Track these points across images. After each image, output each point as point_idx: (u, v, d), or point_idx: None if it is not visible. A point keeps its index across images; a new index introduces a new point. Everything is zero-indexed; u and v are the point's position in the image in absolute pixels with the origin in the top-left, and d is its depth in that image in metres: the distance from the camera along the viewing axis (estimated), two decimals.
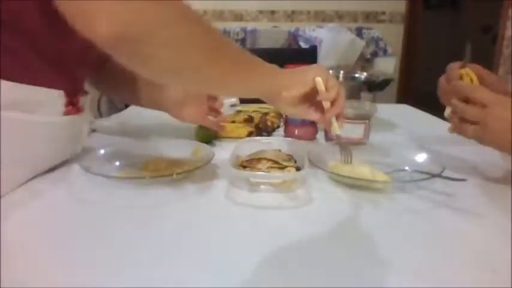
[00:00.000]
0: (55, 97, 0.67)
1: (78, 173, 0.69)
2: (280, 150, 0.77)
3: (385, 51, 2.96)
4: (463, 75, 0.72)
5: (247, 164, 0.72)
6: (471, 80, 0.71)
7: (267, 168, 0.69)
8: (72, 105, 0.72)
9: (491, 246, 0.51)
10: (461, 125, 0.68)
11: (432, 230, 0.55)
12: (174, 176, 0.68)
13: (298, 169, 0.68)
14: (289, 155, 0.75)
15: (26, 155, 0.66)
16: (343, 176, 0.67)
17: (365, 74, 1.24)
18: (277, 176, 0.68)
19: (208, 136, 0.91)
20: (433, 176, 0.65)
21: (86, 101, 0.78)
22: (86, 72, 0.78)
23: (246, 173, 0.69)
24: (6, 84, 0.58)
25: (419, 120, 1.21)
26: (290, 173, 0.68)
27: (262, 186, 0.68)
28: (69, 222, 0.56)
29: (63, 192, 0.66)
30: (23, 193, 0.65)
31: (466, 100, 0.67)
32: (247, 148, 0.78)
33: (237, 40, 2.89)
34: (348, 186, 0.67)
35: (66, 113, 0.69)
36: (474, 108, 0.65)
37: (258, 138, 0.89)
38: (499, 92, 0.67)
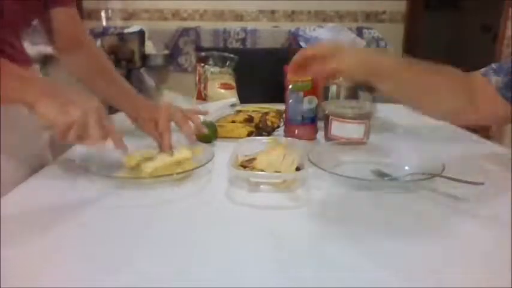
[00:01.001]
0: None
1: (78, 173, 0.69)
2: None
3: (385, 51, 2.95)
4: None
5: (247, 164, 0.72)
6: None
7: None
8: None
9: (492, 246, 0.51)
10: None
11: (432, 230, 0.55)
12: (174, 176, 0.68)
13: (298, 169, 0.68)
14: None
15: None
16: (343, 176, 0.67)
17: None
18: (277, 176, 0.68)
19: (208, 136, 0.91)
20: (433, 176, 0.65)
21: (35, 72, 0.76)
22: (16, 39, 0.77)
23: (246, 173, 0.69)
24: None
25: (419, 120, 1.21)
26: (290, 173, 0.68)
27: (262, 186, 0.68)
28: (69, 222, 0.56)
29: (63, 192, 0.66)
30: (23, 193, 0.65)
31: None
32: (247, 148, 0.78)
33: (237, 40, 2.89)
34: (348, 186, 0.67)
35: None
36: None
37: (258, 138, 0.89)
38: None
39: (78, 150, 0.85)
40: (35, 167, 0.76)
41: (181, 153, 0.74)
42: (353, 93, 1.11)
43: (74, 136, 0.60)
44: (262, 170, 0.68)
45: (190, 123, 0.82)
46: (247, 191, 0.66)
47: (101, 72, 0.89)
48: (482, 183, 0.64)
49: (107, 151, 0.66)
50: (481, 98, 0.73)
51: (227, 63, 1.34)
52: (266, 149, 0.72)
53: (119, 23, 3.05)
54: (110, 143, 0.64)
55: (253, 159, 0.72)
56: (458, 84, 0.74)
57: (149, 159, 0.72)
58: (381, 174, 0.70)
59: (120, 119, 0.89)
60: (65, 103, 0.60)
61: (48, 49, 2.18)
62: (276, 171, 0.68)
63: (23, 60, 0.79)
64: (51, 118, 0.59)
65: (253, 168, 0.69)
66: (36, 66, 0.86)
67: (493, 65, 0.79)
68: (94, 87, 0.88)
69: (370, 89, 1.17)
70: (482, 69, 0.79)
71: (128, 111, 0.88)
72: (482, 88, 0.75)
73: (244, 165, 0.71)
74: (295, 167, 0.68)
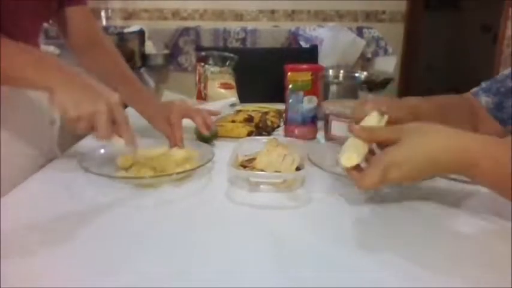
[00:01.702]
0: None
1: (78, 173, 0.69)
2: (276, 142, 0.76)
3: (385, 51, 2.96)
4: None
5: (247, 164, 0.71)
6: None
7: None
8: None
9: (491, 246, 0.51)
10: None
11: (432, 230, 0.55)
12: (174, 176, 0.68)
13: (298, 169, 0.68)
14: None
15: None
16: (343, 176, 0.67)
17: (365, 73, 1.24)
18: (277, 175, 0.68)
19: (209, 136, 0.90)
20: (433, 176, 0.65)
21: None
22: (31, 39, 0.78)
23: (246, 172, 0.69)
24: None
25: None
26: (290, 173, 0.68)
27: (262, 186, 0.68)
28: (69, 222, 0.56)
29: (63, 192, 0.66)
30: (23, 193, 0.65)
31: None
32: (247, 148, 0.78)
33: (237, 40, 2.89)
34: (348, 186, 0.67)
35: None
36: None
37: (258, 138, 0.89)
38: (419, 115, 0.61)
39: (78, 150, 0.85)
40: (43, 162, 0.77)
41: (177, 152, 0.74)
42: (353, 93, 1.11)
43: (82, 129, 0.60)
44: (262, 170, 0.68)
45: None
46: (247, 191, 0.66)
47: (115, 70, 0.89)
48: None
49: (116, 146, 0.66)
50: (476, 119, 0.74)
51: (227, 63, 1.34)
52: (265, 149, 0.72)
53: (119, 22, 3.05)
54: (120, 139, 0.64)
55: (253, 159, 0.72)
56: (461, 111, 0.74)
57: (145, 161, 0.72)
58: None
59: (131, 113, 0.88)
60: (81, 94, 0.60)
61: (50, 48, 2.18)
62: (276, 171, 0.68)
63: None
64: (65, 107, 0.59)
65: (253, 168, 0.69)
66: None
67: (483, 84, 0.80)
68: (108, 85, 0.89)
69: (370, 88, 1.17)
70: (473, 90, 0.80)
71: (141, 109, 0.89)
72: (476, 110, 0.76)
73: (244, 165, 0.71)
74: (295, 167, 0.68)
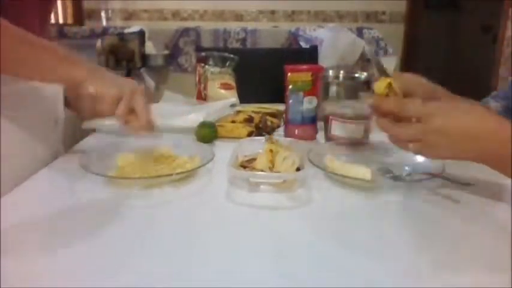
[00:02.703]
0: None
1: (78, 173, 0.69)
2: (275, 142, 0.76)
3: (386, 51, 2.96)
4: (387, 90, 0.59)
5: (247, 164, 0.72)
6: (395, 93, 0.59)
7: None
8: None
9: (491, 246, 0.51)
10: (400, 143, 0.59)
11: (432, 230, 0.55)
12: (174, 176, 0.68)
13: (298, 169, 0.68)
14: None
15: None
16: (343, 176, 0.67)
17: (365, 74, 1.24)
18: (277, 176, 0.68)
19: (208, 136, 0.91)
20: (433, 176, 0.65)
21: None
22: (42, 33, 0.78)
23: (246, 173, 0.69)
24: None
25: None
26: (290, 173, 0.68)
27: (262, 186, 0.68)
28: (69, 222, 0.56)
29: (64, 191, 0.66)
30: (24, 192, 0.65)
31: (398, 118, 0.57)
32: (247, 148, 0.78)
33: (237, 40, 2.89)
34: (348, 185, 0.67)
35: None
36: (408, 128, 0.56)
37: (258, 138, 0.89)
38: (436, 98, 0.59)
39: (79, 150, 0.85)
40: (47, 160, 0.77)
41: (161, 149, 0.75)
42: (353, 93, 1.11)
43: (121, 111, 0.65)
44: (262, 170, 0.68)
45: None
46: (247, 191, 0.66)
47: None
48: (482, 183, 0.64)
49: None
50: None
51: (227, 63, 1.34)
52: (264, 150, 0.72)
53: (119, 23, 3.06)
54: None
55: (253, 159, 0.72)
56: None
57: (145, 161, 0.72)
58: (388, 172, 0.70)
59: None
60: (113, 79, 0.67)
61: None
62: (276, 172, 0.68)
63: None
64: (103, 91, 0.64)
65: (253, 169, 0.69)
66: None
67: (492, 93, 0.82)
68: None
69: (369, 88, 1.17)
70: (484, 99, 0.82)
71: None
72: None
73: (244, 166, 0.71)
74: (295, 167, 0.68)
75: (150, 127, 0.70)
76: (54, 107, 0.84)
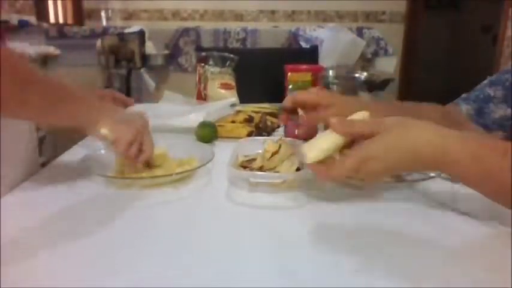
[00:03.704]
0: None
1: (78, 173, 0.69)
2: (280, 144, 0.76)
3: (386, 51, 2.96)
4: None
5: (247, 164, 0.71)
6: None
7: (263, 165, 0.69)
8: None
9: (491, 246, 0.51)
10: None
11: (432, 230, 0.55)
12: (174, 176, 0.68)
13: (298, 169, 0.68)
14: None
15: None
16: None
17: (365, 73, 1.24)
18: (277, 176, 0.68)
19: (208, 136, 0.91)
20: (433, 176, 0.65)
21: None
22: None
23: (246, 173, 0.69)
24: None
25: None
26: (290, 173, 0.68)
27: (262, 186, 0.68)
28: (69, 222, 0.56)
29: (63, 192, 0.66)
30: (23, 193, 0.65)
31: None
32: (247, 148, 0.78)
33: (237, 40, 2.89)
34: (347, 185, 0.67)
35: None
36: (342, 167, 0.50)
37: (258, 138, 0.89)
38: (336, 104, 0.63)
39: (78, 150, 0.85)
40: (23, 171, 0.73)
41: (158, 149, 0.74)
42: (353, 94, 1.11)
43: (133, 153, 0.66)
44: (262, 170, 0.68)
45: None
46: (247, 191, 0.66)
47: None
48: None
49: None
50: (458, 127, 0.75)
51: (227, 63, 1.34)
52: (264, 150, 0.72)
53: (119, 23, 3.06)
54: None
55: (253, 159, 0.72)
56: (440, 120, 0.75)
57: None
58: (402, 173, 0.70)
59: None
60: (124, 122, 0.67)
61: (50, 49, 2.18)
62: (276, 172, 0.68)
63: None
64: (117, 137, 0.64)
65: (253, 169, 0.69)
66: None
67: (462, 95, 0.82)
68: None
69: (370, 88, 1.17)
70: (454, 101, 0.82)
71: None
72: (457, 118, 0.77)
73: (244, 166, 0.71)
74: (295, 167, 0.68)
75: (151, 165, 0.71)
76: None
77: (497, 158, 0.48)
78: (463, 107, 0.79)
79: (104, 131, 0.64)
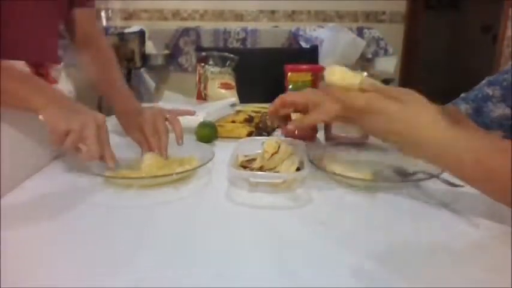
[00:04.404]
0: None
1: (78, 173, 0.69)
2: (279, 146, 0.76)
3: (386, 51, 2.96)
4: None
5: (247, 164, 0.71)
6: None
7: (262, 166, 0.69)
8: (41, 76, 0.71)
9: (491, 246, 0.51)
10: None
11: (432, 230, 0.55)
12: (174, 175, 0.68)
13: (298, 169, 0.68)
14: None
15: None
16: (343, 176, 0.67)
17: (365, 73, 1.24)
18: (277, 176, 0.68)
19: (208, 136, 0.91)
20: (433, 176, 0.65)
21: (59, 71, 0.79)
22: (49, 38, 0.81)
23: (246, 173, 0.69)
24: None
25: None
26: (290, 173, 0.68)
27: (262, 186, 0.68)
28: (69, 222, 0.56)
29: (64, 192, 0.66)
30: (23, 193, 0.65)
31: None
32: (247, 148, 0.78)
33: (237, 40, 2.89)
34: (347, 185, 0.67)
35: None
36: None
37: (258, 138, 0.89)
38: None
39: None
40: (35, 166, 0.75)
41: (147, 158, 0.74)
42: None
43: (69, 144, 0.60)
44: (262, 170, 0.68)
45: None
46: (247, 191, 0.66)
47: (104, 70, 0.93)
48: None
49: (94, 165, 0.67)
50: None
51: (227, 63, 1.34)
52: (263, 150, 0.72)
53: (119, 23, 3.06)
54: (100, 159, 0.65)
55: (253, 159, 0.72)
56: None
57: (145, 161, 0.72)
58: (387, 172, 0.70)
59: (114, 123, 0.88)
60: (69, 112, 0.63)
61: None
62: (276, 172, 0.68)
63: (52, 59, 0.84)
64: (52, 124, 0.61)
65: (253, 169, 0.69)
66: (59, 66, 0.87)
67: (462, 95, 0.83)
68: (96, 82, 0.92)
69: None
70: (453, 101, 0.83)
71: (118, 111, 0.89)
72: (457, 117, 0.77)
73: (244, 166, 0.71)
74: (295, 167, 0.68)
75: (113, 163, 0.67)
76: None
77: (500, 157, 0.48)
78: (462, 106, 0.79)
79: (41, 116, 0.61)
